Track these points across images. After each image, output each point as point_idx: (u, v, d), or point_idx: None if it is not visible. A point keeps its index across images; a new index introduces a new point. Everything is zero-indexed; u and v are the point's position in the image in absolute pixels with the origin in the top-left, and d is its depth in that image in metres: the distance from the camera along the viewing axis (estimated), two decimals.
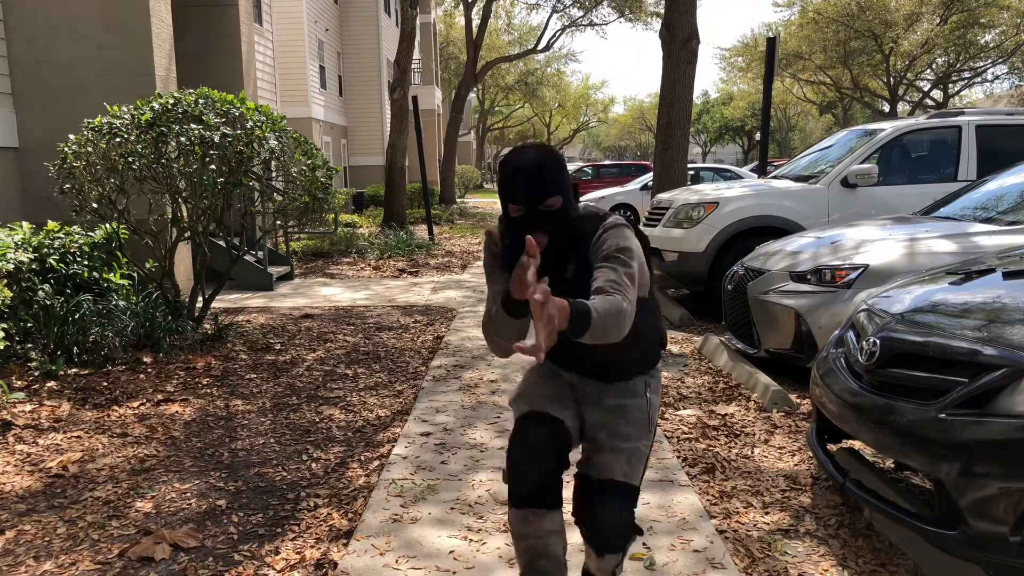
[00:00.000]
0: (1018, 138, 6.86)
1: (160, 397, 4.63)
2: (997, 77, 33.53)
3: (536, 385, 2.19)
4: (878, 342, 2.76)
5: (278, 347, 5.97)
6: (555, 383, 2.20)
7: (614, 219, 2.01)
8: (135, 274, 6.41)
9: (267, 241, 9.48)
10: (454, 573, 2.60)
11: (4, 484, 3.38)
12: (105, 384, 4.83)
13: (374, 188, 22.16)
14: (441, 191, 25.20)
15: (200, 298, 6.27)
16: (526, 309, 1.88)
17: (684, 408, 4.45)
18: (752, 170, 20.77)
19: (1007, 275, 2.93)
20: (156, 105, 5.65)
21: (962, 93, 37.15)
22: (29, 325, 5.28)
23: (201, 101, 5.74)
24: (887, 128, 7.12)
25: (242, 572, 2.65)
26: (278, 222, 6.53)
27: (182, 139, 5.57)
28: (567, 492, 2.95)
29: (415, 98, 14.10)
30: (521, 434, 2.06)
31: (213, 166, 5.64)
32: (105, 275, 6.06)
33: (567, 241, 1.99)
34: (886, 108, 34.33)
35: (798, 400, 4.56)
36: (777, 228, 6.88)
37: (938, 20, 29.75)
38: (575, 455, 2.58)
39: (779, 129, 56.01)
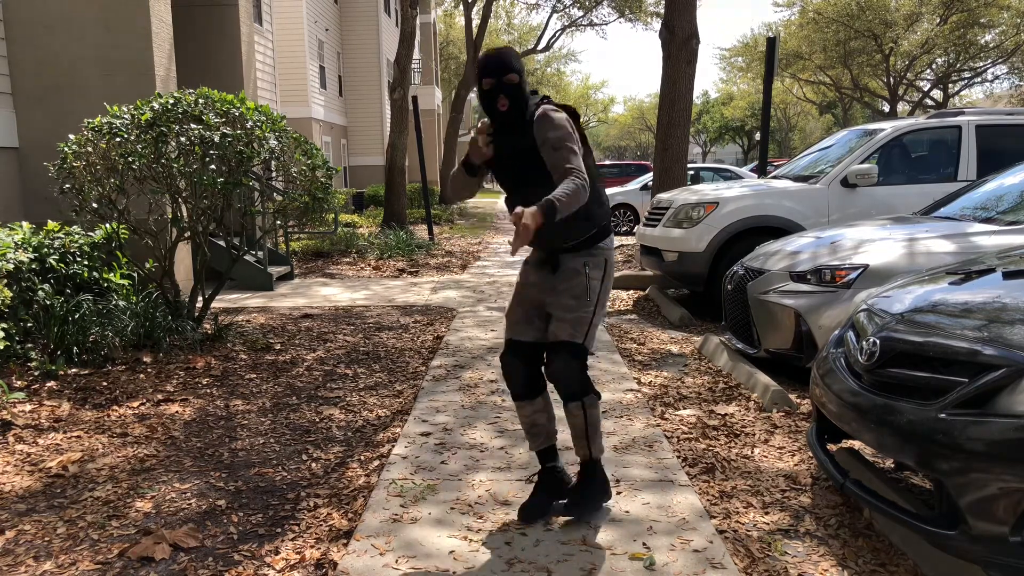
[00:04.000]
0: (1018, 138, 6.86)
1: (160, 397, 4.63)
2: (997, 77, 33.56)
3: (513, 310, 3.04)
4: (878, 342, 2.76)
5: (278, 347, 5.97)
6: (524, 298, 3.01)
7: (539, 112, 2.79)
8: (135, 274, 6.41)
9: (267, 241, 9.48)
10: (454, 573, 2.60)
11: (4, 484, 3.38)
12: (105, 384, 4.83)
13: (374, 188, 22.17)
14: (441, 191, 25.20)
15: (200, 298, 6.27)
16: (475, 171, 2.93)
17: (684, 408, 4.45)
18: (752, 170, 20.76)
19: (1007, 275, 2.92)
20: (156, 105, 5.65)
21: (962, 93, 37.16)
22: (29, 325, 5.28)
23: (201, 101, 5.74)
24: (887, 128, 7.11)
25: (242, 572, 2.65)
26: (278, 222, 6.52)
27: (182, 139, 5.57)
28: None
29: (415, 98, 14.10)
30: (503, 361, 3.01)
31: (213, 166, 5.64)
32: (105, 275, 6.06)
33: (520, 132, 2.80)
34: (886, 108, 34.33)
35: (798, 400, 4.56)
36: (777, 228, 6.88)
37: (938, 20, 29.76)
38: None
39: (779, 129, 56.01)
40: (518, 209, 2.49)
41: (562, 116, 2.79)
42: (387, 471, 3.47)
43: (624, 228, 16.80)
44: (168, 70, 7.85)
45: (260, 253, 9.20)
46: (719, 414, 4.32)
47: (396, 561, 2.68)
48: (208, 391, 4.80)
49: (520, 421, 3.07)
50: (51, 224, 5.98)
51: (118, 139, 5.51)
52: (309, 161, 6.03)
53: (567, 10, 30.35)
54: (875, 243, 4.74)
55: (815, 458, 3.13)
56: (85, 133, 5.64)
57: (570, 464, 3.44)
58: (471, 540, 2.83)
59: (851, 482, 2.80)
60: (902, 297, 3.06)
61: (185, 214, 5.98)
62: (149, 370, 5.17)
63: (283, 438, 4.00)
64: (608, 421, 4.16)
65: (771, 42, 9.52)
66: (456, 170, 2.97)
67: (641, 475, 3.42)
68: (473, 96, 46.72)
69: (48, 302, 5.32)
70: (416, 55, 30.04)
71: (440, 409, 4.39)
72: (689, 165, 12.80)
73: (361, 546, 2.79)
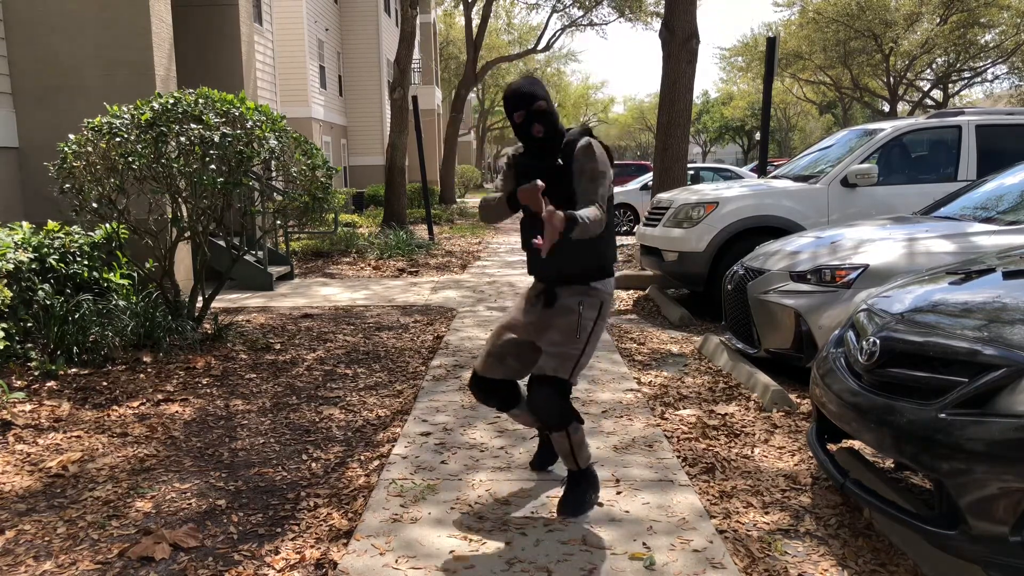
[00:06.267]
0: (1018, 138, 6.86)
1: (160, 397, 4.63)
2: (997, 77, 33.57)
3: (492, 341, 3.09)
4: (878, 342, 2.76)
5: (278, 347, 5.97)
6: (511, 333, 3.05)
7: (583, 141, 2.87)
8: (135, 274, 6.41)
9: (267, 241, 9.48)
10: (454, 573, 2.60)
11: (4, 484, 3.38)
12: (105, 384, 4.83)
13: (374, 188, 22.16)
14: (441, 191, 25.19)
15: (200, 298, 6.27)
16: (517, 206, 2.81)
17: (684, 408, 4.45)
18: (752, 170, 20.77)
19: (1007, 275, 2.93)
20: (156, 105, 5.65)
21: (962, 93, 37.17)
22: (29, 325, 5.28)
23: (201, 101, 5.74)
24: (887, 128, 7.11)
25: (242, 572, 2.65)
26: (278, 222, 6.52)
27: (182, 139, 5.57)
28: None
29: (415, 98, 14.10)
30: (472, 390, 3.14)
31: (213, 166, 5.64)
32: (105, 275, 6.06)
33: (552, 155, 2.91)
34: (886, 108, 34.34)
35: (798, 400, 4.56)
36: (777, 228, 6.88)
37: (938, 20, 29.77)
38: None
39: (779, 129, 56.00)
40: (550, 207, 2.50)
41: (603, 153, 2.89)
42: (387, 471, 3.47)
43: (624, 228, 16.81)
44: (168, 70, 7.85)
45: (260, 253, 9.20)
46: (719, 414, 4.32)
47: (396, 561, 2.68)
48: (208, 391, 4.80)
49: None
50: (51, 224, 5.98)
51: (118, 139, 5.50)
52: (309, 161, 6.03)
53: (567, 10, 30.31)
54: (875, 243, 4.74)
55: (815, 458, 3.13)
56: (85, 133, 5.64)
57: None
58: (471, 540, 2.83)
59: (851, 482, 2.80)
60: (902, 297, 3.06)
61: (185, 214, 5.98)
62: (149, 370, 5.17)
63: (283, 438, 4.00)
64: (608, 421, 4.16)
65: (771, 42, 9.52)
66: (498, 201, 2.89)
67: (641, 475, 3.42)
68: (473, 96, 46.72)
69: (48, 302, 5.32)
70: (416, 55, 30.04)
71: (440, 409, 4.39)
72: (689, 165, 12.80)
73: (361, 546, 2.79)
